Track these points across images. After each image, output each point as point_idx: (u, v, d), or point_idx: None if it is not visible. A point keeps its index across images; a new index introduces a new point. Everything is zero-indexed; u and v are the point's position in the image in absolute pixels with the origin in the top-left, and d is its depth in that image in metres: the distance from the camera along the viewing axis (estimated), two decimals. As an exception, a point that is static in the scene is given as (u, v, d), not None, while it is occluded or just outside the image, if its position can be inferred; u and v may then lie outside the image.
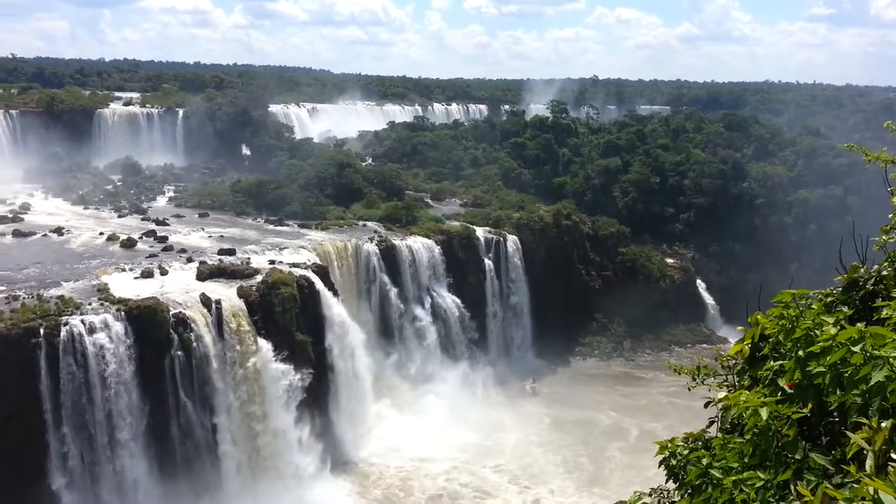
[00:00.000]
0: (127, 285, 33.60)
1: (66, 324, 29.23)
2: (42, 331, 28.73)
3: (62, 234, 41.61)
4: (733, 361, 5.62)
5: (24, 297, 30.54)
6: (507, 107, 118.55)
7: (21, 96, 69.44)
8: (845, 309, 4.79)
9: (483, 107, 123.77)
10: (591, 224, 60.63)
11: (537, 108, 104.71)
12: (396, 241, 45.62)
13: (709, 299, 62.19)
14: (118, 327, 30.19)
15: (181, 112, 71.77)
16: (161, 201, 54.14)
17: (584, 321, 56.11)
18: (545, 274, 53.88)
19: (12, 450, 28.30)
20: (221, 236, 43.46)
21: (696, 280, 62.63)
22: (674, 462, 5.02)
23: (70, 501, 28.88)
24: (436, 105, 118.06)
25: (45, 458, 28.65)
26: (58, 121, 64.68)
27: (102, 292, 32.24)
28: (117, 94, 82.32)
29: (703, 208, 65.68)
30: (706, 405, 5.77)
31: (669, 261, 62.68)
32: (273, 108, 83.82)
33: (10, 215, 44.82)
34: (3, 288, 31.68)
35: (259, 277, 35.89)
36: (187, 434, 31.70)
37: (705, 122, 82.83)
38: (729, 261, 64.19)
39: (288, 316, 35.36)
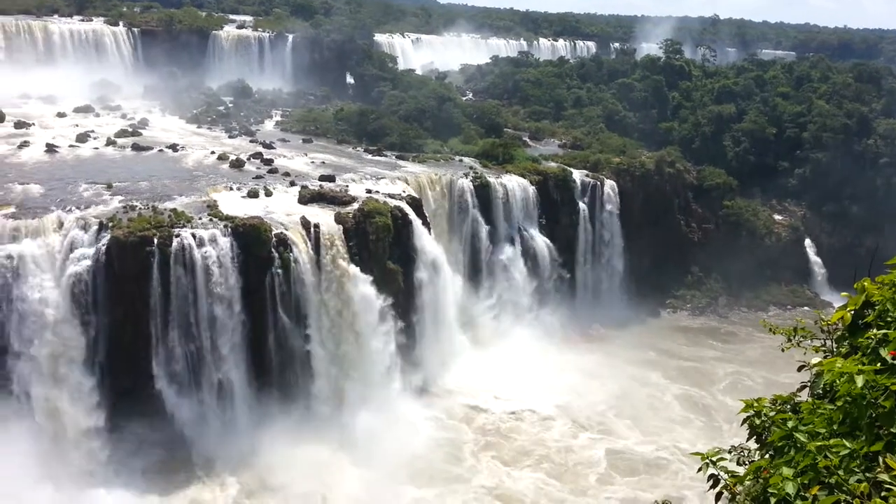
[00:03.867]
0: (234, 203, 35.29)
1: (177, 235, 31.20)
2: (156, 240, 30.80)
3: (176, 151, 43.88)
4: (833, 327, 5.42)
5: (140, 208, 32.69)
6: (616, 45, 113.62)
7: (143, 15, 72.28)
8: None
9: (591, 44, 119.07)
10: (695, 173, 58.13)
11: (649, 47, 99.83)
12: (491, 179, 45.47)
13: (816, 261, 58.95)
14: (225, 242, 31.96)
15: (290, 37, 73.00)
16: (268, 125, 55.88)
17: (678, 274, 54.58)
18: (642, 222, 52.49)
19: (126, 348, 30.99)
20: (323, 162, 44.64)
21: (805, 240, 59.36)
22: (758, 422, 4.96)
23: (172, 400, 31.44)
24: (542, 40, 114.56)
25: (153, 358, 31.18)
26: (175, 40, 67.18)
27: (212, 208, 34.05)
28: (231, 16, 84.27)
29: (821, 164, 61.46)
30: (799, 369, 5.62)
31: (777, 217, 59.57)
32: (378, 37, 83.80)
33: (131, 129, 47.53)
34: (122, 198, 33.99)
35: (356, 205, 36.83)
36: (282, 346, 33.61)
37: (833, 71, 76.54)
38: (843, 222, 60.24)
39: (381, 244, 36.31)
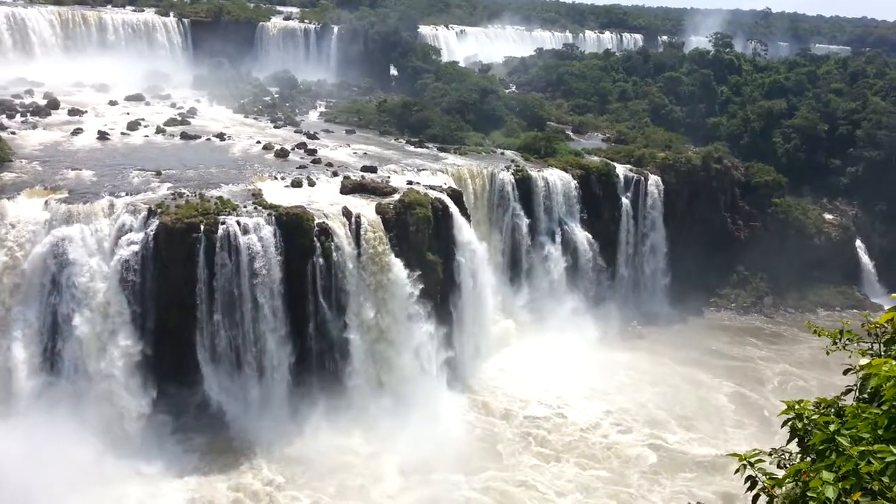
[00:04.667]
0: (278, 192, 35.84)
1: (223, 223, 31.83)
2: (202, 227, 31.48)
3: (223, 140, 44.71)
4: (882, 330, 5.28)
5: (188, 195, 33.43)
6: (664, 38, 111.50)
7: (193, 6, 73.71)
8: None
9: (638, 36, 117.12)
10: (743, 170, 56.82)
11: (698, 40, 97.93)
12: (532, 172, 45.22)
13: (867, 262, 57.18)
14: (268, 230, 32.50)
15: (336, 29, 73.59)
16: (313, 115, 56.51)
17: (723, 272, 53.49)
18: (686, 219, 51.60)
19: (171, 331, 31.80)
20: (365, 153, 44.99)
21: (856, 240, 57.60)
22: (799, 424, 4.87)
23: (215, 384, 32.16)
24: (587, 32, 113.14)
25: (197, 342, 31.93)
26: (224, 31, 68.35)
27: (256, 197, 34.65)
28: (279, 7, 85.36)
29: (875, 163, 59.47)
30: (845, 372, 5.49)
31: (828, 216, 57.92)
32: (423, 28, 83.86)
33: (179, 118, 48.58)
34: (170, 185, 34.82)
35: (397, 196, 37.04)
36: (321, 334, 34.05)
37: (890, 67, 73.93)
38: (897, 223, 58.33)
39: (421, 236, 36.46)
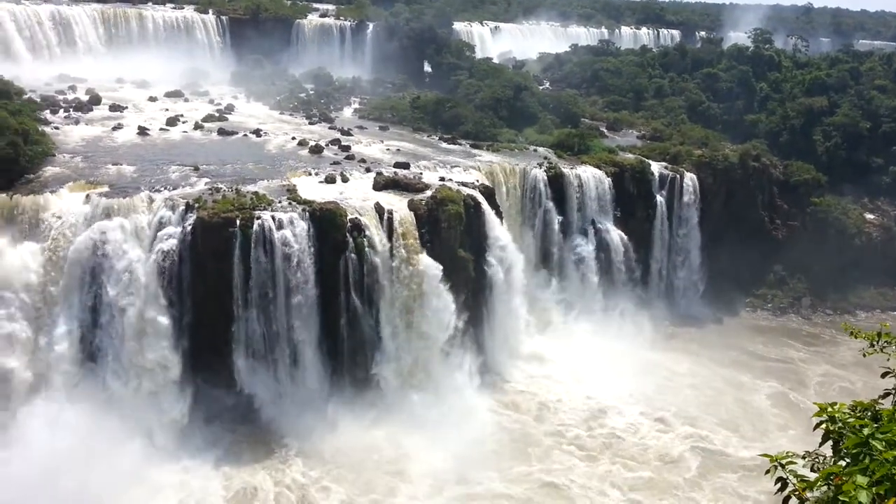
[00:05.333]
0: (312, 188, 36.19)
1: (258, 218, 32.29)
2: (238, 221, 31.98)
3: (259, 136, 45.30)
4: (921, 333, 5.19)
5: (224, 190, 33.98)
6: (702, 33, 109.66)
7: (231, 3, 74.67)
8: None
9: (676, 32, 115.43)
10: (782, 168, 55.70)
11: (737, 36, 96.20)
12: (565, 170, 44.93)
13: (910, 264, 55.65)
14: (302, 226, 32.87)
15: (371, 26, 73.94)
16: (347, 112, 56.91)
17: (760, 272, 52.54)
18: (723, 218, 50.79)
19: (207, 324, 32.36)
20: (398, 150, 45.17)
21: (899, 241, 56.10)
22: (832, 427, 4.81)
23: (249, 376, 32.65)
24: (624, 28, 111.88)
25: (232, 334, 32.45)
26: (261, 28, 69.22)
27: (291, 192, 35.05)
28: (315, 4, 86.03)
29: (920, 162, 57.85)
30: (883, 375, 5.41)
31: (869, 216, 56.49)
32: (457, 25, 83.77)
33: (217, 115, 49.32)
34: (208, 180, 35.41)
35: (429, 193, 37.13)
36: (353, 329, 34.33)
37: (939, 62, 71.65)
38: (943, 224, 56.58)
39: (453, 232, 36.50)
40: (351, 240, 33.59)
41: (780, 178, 54.99)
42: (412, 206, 35.91)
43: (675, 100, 65.50)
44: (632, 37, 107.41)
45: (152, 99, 52.80)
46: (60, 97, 49.51)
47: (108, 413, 29.79)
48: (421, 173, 40.12)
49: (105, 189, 33.13)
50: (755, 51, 72.81)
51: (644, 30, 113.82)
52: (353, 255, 33.63)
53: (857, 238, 54.16)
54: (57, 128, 41.99)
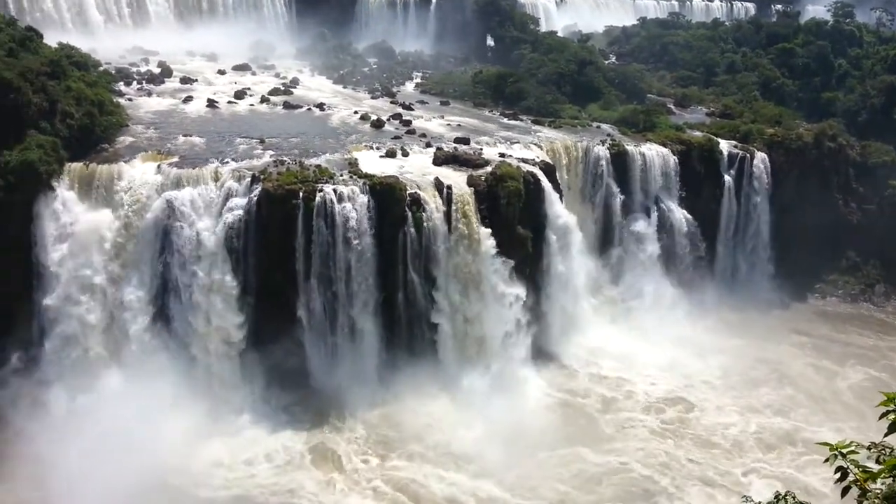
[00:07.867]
0: (373, 162, 36.53)
1: (320, 190, 32.84)
2: (301, 194, 32.61)
3: (323, 110, 45.86)
4: None
5: (289, 163, 34.64)
6: (778, 6, 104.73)
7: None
8: None
9: (750, 5, 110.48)
10: (860, 149, 53.08)
11: (815, 10, 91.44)
12: (629, 147, 43.94)
13: None
14: (362, 199, 33.29)
15: (434, 0, 73.50)
16: (409, 86, 56.96)
17: (832, 257, 50.42)
18: (794, 200, 48.82)
19: (271, 293, 33.28)
20: (458, 125, 45.04)
21: (985, 228, 52.88)
22: (899, 418, 4.66)
23: (310, 345, 33.54)
24: (695, 1, 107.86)
25: (296, 303, 33.30)
26: (326, 3, 69.65)
27: (352, 166, 35.47)
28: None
29: None
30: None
31: (952, 202, 53.38)
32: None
33: (283, 88, 50.12)
34: (272, 152, 36.15)
35: (488, 168, 36.98)
36: (410, 302, 34.76)
37: None
38: None
39: (511, 209, 36.32)
40: (410, 214, 33.84)
41: (857, 160, 52.47)
42: (471, 181, 35.86)
43: (748, 76, 63.01)
44: (703, 9, 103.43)
45: (221, 72, 53.96)
46: (134, 69, 51.11)
47: (177, 373, 31.19)
48: (481, 149, 39.95)
49: (175, 159, 34.24)
50: (835, 25, 69.18)
51: (716, 2, 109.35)
52: (411, 229, 33.89)
53: (938, 224, 51.31)
54: (130, 99, 43.46)
